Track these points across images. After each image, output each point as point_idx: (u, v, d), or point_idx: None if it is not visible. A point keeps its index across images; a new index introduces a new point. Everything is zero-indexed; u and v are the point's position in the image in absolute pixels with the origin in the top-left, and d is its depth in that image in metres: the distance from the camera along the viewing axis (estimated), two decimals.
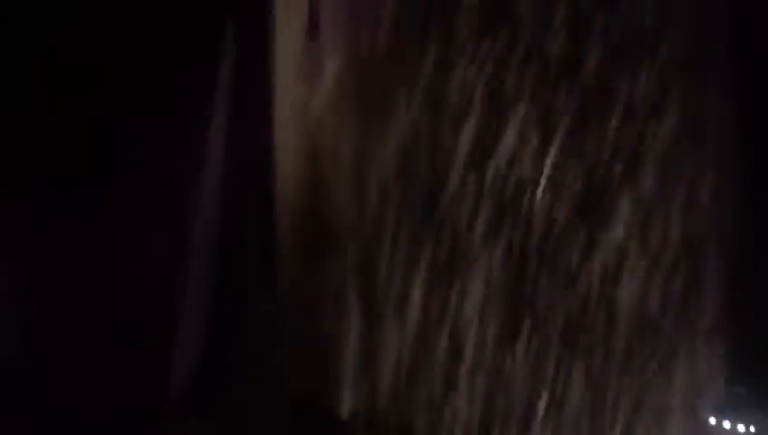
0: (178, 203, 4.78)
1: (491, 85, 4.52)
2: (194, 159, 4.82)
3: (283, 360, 4.71)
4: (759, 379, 4.62)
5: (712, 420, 4.57)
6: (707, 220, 4.57)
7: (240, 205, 4.77)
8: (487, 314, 4.49)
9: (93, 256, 4.66)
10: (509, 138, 4.55)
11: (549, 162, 4.50)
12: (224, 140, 4.89)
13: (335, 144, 4.72)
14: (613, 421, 4.53)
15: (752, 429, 4.58)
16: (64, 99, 4.73)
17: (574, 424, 4.49)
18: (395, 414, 4.48)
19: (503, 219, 4.52)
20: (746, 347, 4.67)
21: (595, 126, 4.51)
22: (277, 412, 4.66)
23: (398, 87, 4.54)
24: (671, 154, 4.63)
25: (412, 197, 4.49)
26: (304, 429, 4.52)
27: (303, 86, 4.81)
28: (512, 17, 4.50)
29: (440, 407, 4.44)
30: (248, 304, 4.76)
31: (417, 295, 4.52)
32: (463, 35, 4.53)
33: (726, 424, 4.57)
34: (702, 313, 4.65)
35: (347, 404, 4.56)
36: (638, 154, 4.56)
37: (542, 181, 4.49)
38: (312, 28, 4.72)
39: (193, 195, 4.76)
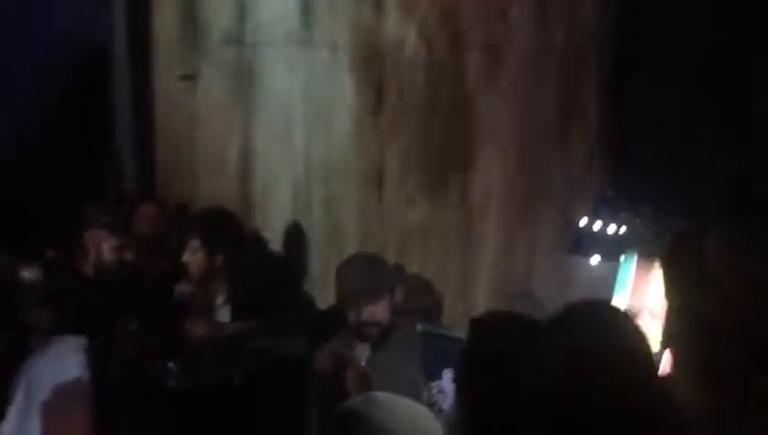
0: None
1: None
2: None
3: None
4: (630, 182, 4.66)
5: (582, 223, 4.71)
6: None
7: None
8: None
9: None
10: None
11: None
12: None
13: None
14: None
15: (621, 230, 4.62)
16: None
17: None
18: None
19: None
20: (621, 153, 4.75)
21: None
22: None
23: None
24: None
25: None
26: None
27: None
28: None
29: None
30: None
31: None
32: None
33: (597, 226, 4.67)
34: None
35: None
36: None
37: None
38: None
39: None
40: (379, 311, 4.63)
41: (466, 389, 2.67)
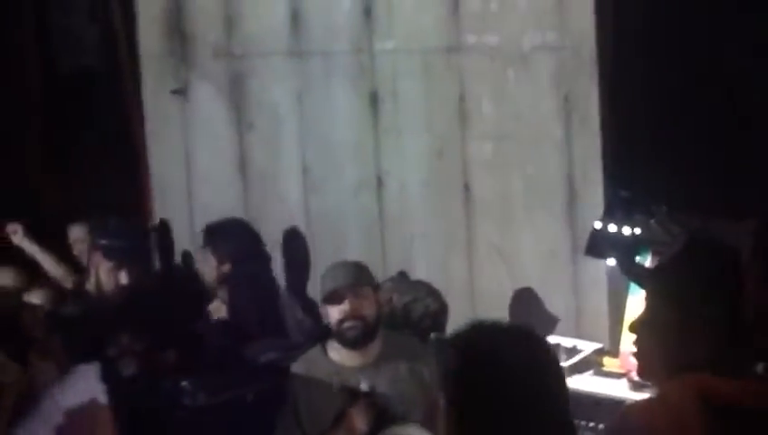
0: None
1: None
2: None
3: None
4: (643, 182, 4.65)
5: (597, 225, 4.69)
6: None
7: None
8: None
9: None
10: None
11: None
12: None
13: None
14: None
15: (636, 231, 4.61)
16: None
17: None
18: None
19: None
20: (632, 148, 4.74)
21: None
22: None
23: None
24: None
25: None
26: None
27: None
28: None
29: None
30: None
31: None
32: None
33: (612, 228, 4.65)
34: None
35: None
36: None
37: None
38: None
39: None
40: (363, 305, 4.61)
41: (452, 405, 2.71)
